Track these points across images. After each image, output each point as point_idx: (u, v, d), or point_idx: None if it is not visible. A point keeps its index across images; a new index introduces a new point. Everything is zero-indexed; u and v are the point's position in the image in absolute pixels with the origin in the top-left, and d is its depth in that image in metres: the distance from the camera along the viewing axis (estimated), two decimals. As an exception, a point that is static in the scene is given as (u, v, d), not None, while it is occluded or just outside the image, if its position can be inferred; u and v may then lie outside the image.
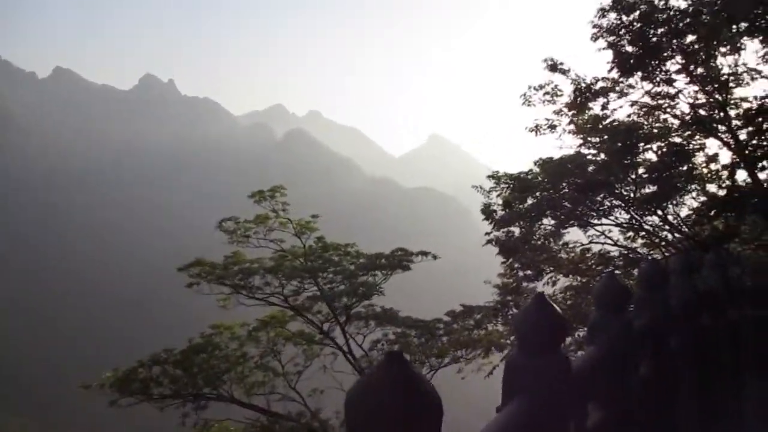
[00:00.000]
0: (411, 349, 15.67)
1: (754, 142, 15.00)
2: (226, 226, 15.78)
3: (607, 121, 16.40)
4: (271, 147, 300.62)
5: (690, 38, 14.99)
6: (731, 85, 15.24)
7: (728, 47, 14.90)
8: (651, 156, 15.88)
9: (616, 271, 17.32)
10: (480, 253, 17.64)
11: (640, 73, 16.11)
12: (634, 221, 16.42)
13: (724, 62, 15.27)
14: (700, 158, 16.03)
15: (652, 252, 16.81)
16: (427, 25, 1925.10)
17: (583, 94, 16.48)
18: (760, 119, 14.80)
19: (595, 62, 17.48)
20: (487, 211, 16.37)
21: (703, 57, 15.06)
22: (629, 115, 16.60)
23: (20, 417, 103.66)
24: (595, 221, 16.54)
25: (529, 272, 16.38)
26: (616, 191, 15.88)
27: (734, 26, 14.34)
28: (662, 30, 14.88)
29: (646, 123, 16.44)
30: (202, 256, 15.58)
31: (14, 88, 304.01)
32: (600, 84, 16.44)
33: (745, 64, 15.19)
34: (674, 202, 15.68)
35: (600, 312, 4.19)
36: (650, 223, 16.44)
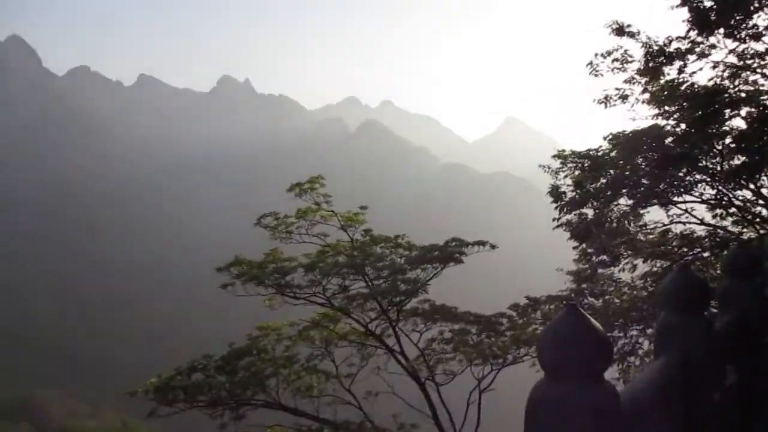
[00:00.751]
0: (469, 347, 14.34)
1: None
2: (265, 222, 14.98)
3: (686, 86, 14.48)
4: (345, 139, 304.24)
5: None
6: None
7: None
8: (739, 123, 13.93)
9: (704, 254, 15.39)
10: (553, 237, 16.18)
11: (722, 30, 14.11)
12: (721, 197, 14.49)
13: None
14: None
15: (744, 230, 14.84)
16: (495, 7, 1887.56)
17: (656, 57, 14.62)
18: None
19: (667, 23, 15.55)
20: (556, 193, 15.06)
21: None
22: (711, 79, 14.62)
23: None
24: (677, 199, 14.79)
25: (604, 257, 14.95)
26: (700, 164, 14.06)
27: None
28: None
29: (731, 86, 14.41)
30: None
31: (103, 97, 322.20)
32: (675, 45, 14.51)
33: None
34: (768, 173, 13.69)
35: (669, 312, 3.27)
36: (741, 198, 14.52)
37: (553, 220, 14.79)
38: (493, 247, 14.90)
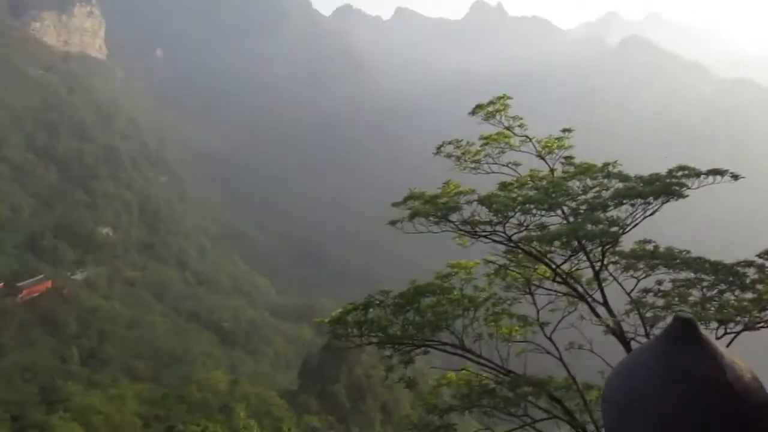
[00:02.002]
0: (691, 305, 11.44)
1: None
2: (446, 150, 13.49)
3: None
4: (605, 57, 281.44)
5: None
6: None
7: None
8: None
9: None
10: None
11: None
12: None
13: None
14: None
15: None
16: None
17: None
18: None
19: None
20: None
21: None
22: None
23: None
24: None
25: None
26: None
27: None
28: None
29: None
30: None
31: (364, 32, 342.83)
32: None
33: None
34: None
35: None
36: None
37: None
38: (735, 177, 11.48)
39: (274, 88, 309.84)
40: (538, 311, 14.17)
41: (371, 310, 12.57)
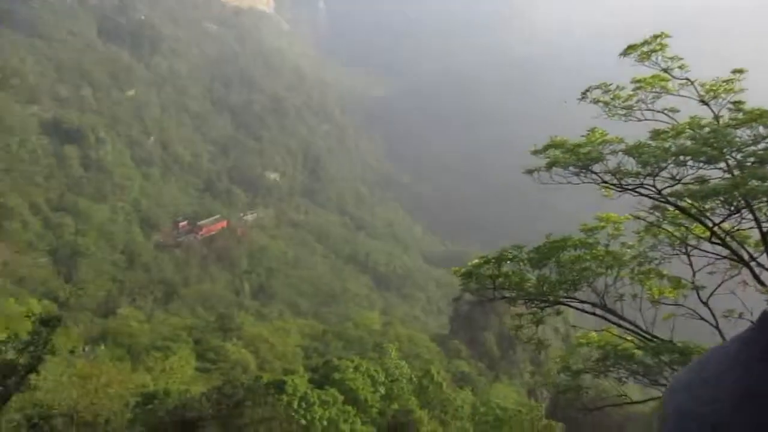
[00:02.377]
0: None
1: None
2: (593, 95, 12.28)
3: None
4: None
5: None
6: None
7: None
8: None
9: None
10: None
11: None
12: None
13: None
14: None
15: None
16: None
17: None
18: None
19: None
20: None
21: None
22: None
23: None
24: None
25: None
26: None
27: None
28: None
29: None
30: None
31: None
32: None
33: None
34: None
35: None
36: None
37: None
38: None
39: (427, 40, 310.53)
40: (693, 273, 12.86)
41: (505, 263, 12.18)
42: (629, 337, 12.03)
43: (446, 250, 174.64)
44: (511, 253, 12.35)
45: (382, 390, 47.42)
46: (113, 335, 72.94)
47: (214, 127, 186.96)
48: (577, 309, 12.27)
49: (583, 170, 11.35)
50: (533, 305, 12.02)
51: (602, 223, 13.26)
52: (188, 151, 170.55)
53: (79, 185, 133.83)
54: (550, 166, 11.38)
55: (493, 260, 12.20)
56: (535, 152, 12.06)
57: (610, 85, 12.14)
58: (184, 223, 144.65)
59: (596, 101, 12.17)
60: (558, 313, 12.47)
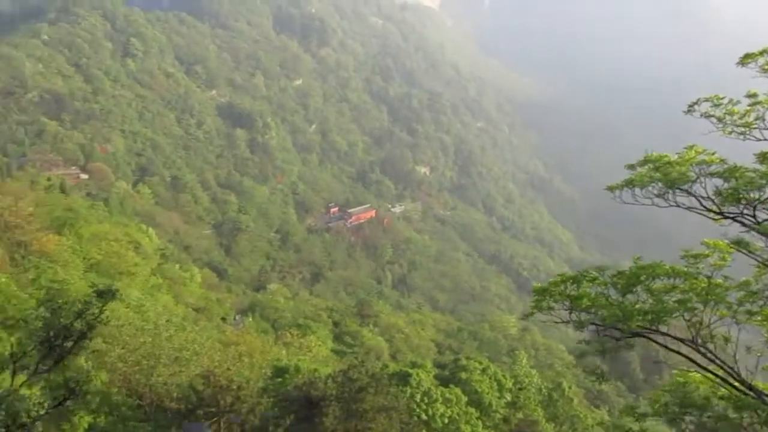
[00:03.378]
0: None
1: None
2: (701, 109, 10.77)
3: None
4: None
5: None
6: None
7: None
8: None
9: None
10: None
11: None
12: None
13: None
14: None
15: None
16: None
17: None
18: None
19: None
20: None
21: None
22: None
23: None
24: None
25: None
26: None
27: None
28: None
29: None
30: None
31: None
32: None
33: None
34: None
35: None
36: None
37: None
38: None
39: (593, 44, 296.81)
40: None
41: (585, 284, 11.29)
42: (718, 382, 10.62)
43: (594, 261, 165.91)
44: (591, 273, 11.41)
45: (508, 397, 46.20)
46: (261, 308, 78.28)
47: (371, 118, 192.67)
48: (658, 343, 11.06)
49: (668, 191, 10.15)
50: (605, 333, 11.00)
51: (707, 251, 11.78)
52: (345, 140, 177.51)
53: (244, 166, 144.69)
54: (627, 184, 10.33)
55: (570, 279, 11.35)
56: (630, 167, 11.01)
57: (723, 98, 10.70)
58: (336, 208, 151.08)
59: (707, 116, 10.80)
60: (630, 346, 11.30)
